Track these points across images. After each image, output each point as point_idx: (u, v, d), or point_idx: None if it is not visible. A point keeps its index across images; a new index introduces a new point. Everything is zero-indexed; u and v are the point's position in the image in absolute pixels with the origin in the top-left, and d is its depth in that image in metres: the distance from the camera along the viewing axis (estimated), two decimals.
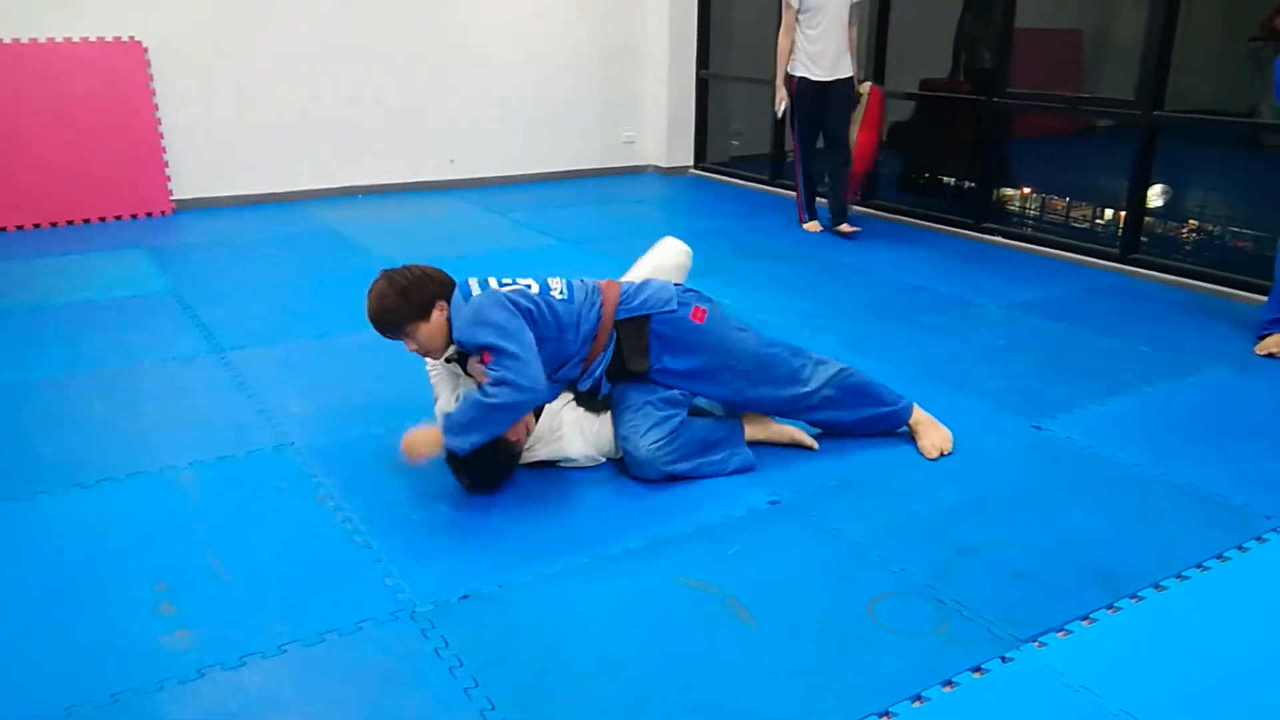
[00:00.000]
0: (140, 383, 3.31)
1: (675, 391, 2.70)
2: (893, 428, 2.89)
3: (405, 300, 2.49)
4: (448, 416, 2.42)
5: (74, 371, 3.40)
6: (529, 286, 2.59)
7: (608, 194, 6.89)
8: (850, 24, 5.18)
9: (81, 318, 3.97)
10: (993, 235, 5.46)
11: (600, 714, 1.77)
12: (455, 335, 2.50)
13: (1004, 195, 5.69)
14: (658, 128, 7.51)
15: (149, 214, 5.84)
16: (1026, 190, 5.68)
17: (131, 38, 5.60)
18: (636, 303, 2.68)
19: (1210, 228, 4.94)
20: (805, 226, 5.67)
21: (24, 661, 1.90)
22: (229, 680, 1.85)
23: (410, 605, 2.09)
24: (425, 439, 2.50)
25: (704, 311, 2.71)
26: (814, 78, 5.21)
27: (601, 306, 2.64)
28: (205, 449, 2.80)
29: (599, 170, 7.51)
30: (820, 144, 5.42)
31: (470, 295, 2.53)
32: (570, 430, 2.67)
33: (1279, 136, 4.65)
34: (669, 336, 2.67)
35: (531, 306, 2.52)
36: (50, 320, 3.94)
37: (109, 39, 5.54)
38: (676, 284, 2.80)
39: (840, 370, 2.81)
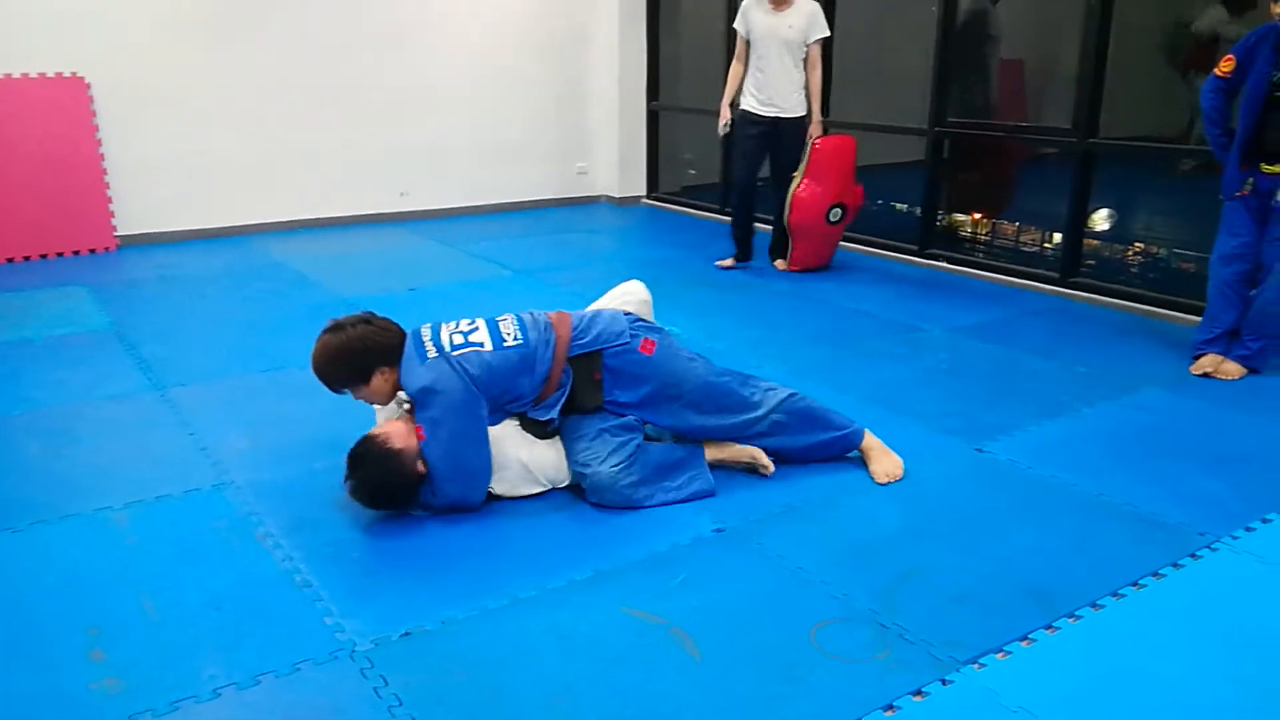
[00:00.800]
0: (77, 422, 3.24)
1: (629, 417, 2.71)
2: (843, 452, 2.92)
3: (344, 367, 2.56)
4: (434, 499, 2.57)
5: (8, 412, 3.33)
6: (481, 346, 2.57)
7: (560, 224, 6.91)
8: (811, 64, 5.04)
9: (19, 356, 3.89)
10: (937, 261, 5.55)
11: None
12: (406, 390, 2.55)
13: (955, 221, 5.81)
14: (610, 159, 7.56)
15: (92, 250, 5.75)
16: (976, 216, 5.80)
17: (74, 73, 5.54)
18: (589, 338, 2.69)
19: (1151, 250, 5.07)
20: (717, 263, 5.50)
21: None
22: None
23: (350, 644, 2.06)
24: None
25: (653, 344, 2.72)
26: (754, 110, 5.14)
27: (555, 345, 2.64)
28: (142, 489, 2.75)
29: (552, 201, 7.54)
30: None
31: (423, 347, 2.55)
32: (517, 471, 2.67)
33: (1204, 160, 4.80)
34: (619, 370, 2.68)
35: (479, 373, 2.52)
36: None
37: (51, 75, 5.47)
38: (627, 314, 2.81)
39: (789, 396, 2.84)
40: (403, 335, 2.60)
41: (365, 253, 5.91)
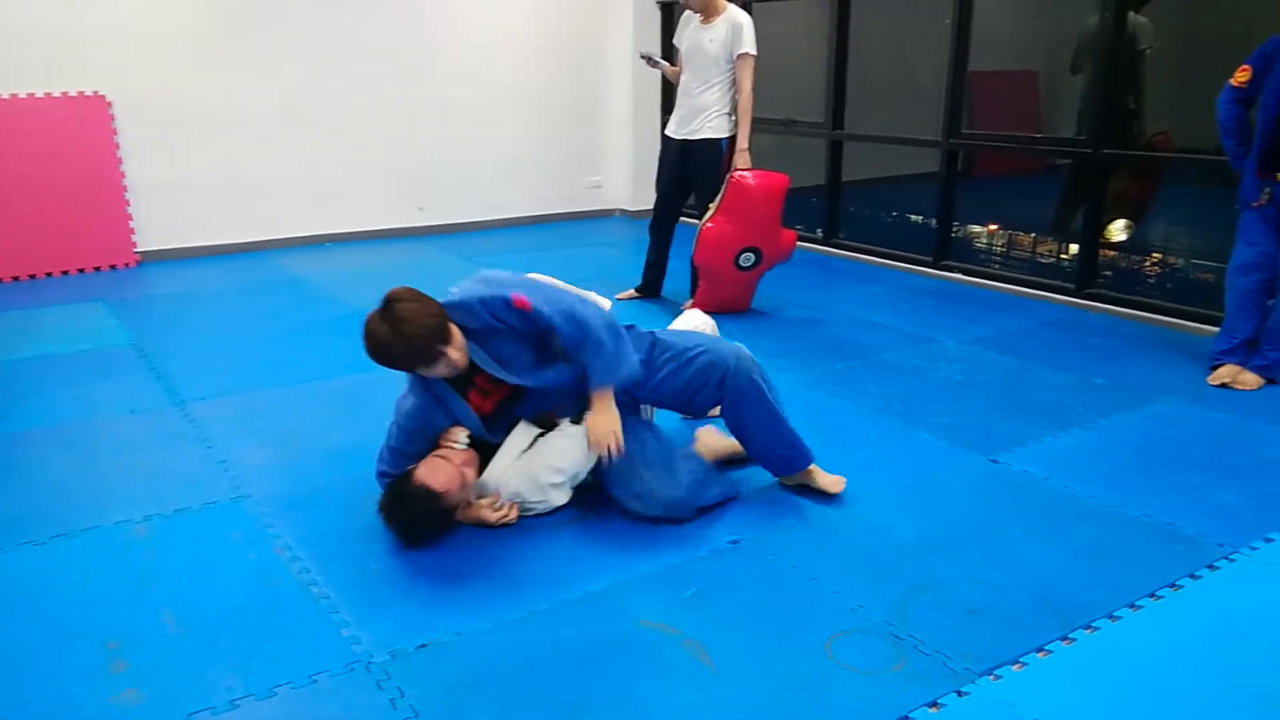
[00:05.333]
0: (99, 436, 3.28)
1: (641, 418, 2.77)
2: (794, 458, 2.79)
3: (427, 301, 2.45)
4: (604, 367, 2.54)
5: (31, 426, 3.37)
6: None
7: (574, 238, 6.94)
8: (738, 84, 4.55)
9: (42, 372, 3.94)
10: (952, 272, 5.54)
11: None
12: (478, 298, 2.49)
13: (970, 232, 5.80)
14: (624, 172, 7.59)
15: (113, 266, 5.82)
16: (991, 227, 5.79)
17: (96, 92, 5.62)
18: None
19: (1168, 261, 5.05)
20: (617, 296, 5.01)
21: None
22: None
23: (366, 656, 2.07)
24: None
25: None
26: (669, 133, 4.80)
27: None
28: (162, 502, 2.77)
29: (567, 214, 7.58)
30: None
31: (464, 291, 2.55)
32: (545, 484, 2.63)
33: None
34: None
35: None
36: (10, 374, 3.90)
37: (73, 94, 5.55)
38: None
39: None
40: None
41: (383, 267, 5.95)
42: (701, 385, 2.71)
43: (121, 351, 4.22)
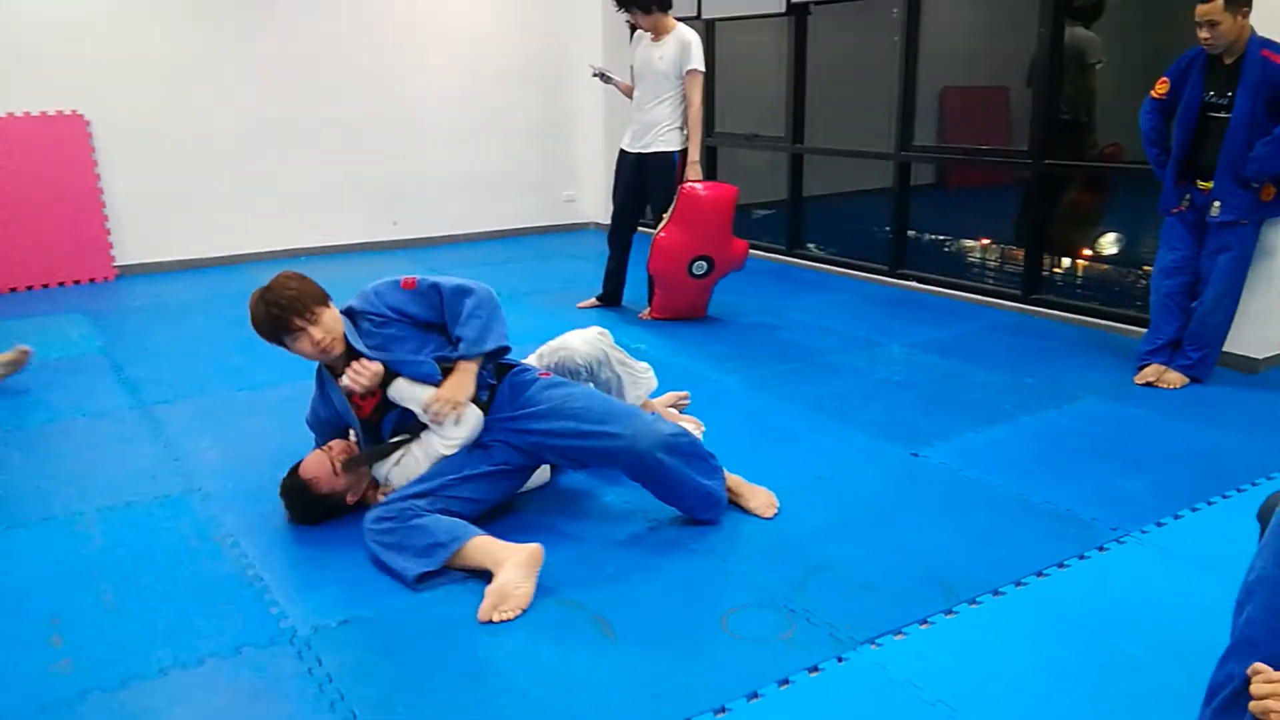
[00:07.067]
0: (60, 437, 3.42)
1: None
2: (700, 507, 2.69)
3: (306, 282, 2.70)
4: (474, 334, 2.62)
5: None
6: None
7: (548, 250, 7.10)
8: (688, 99, 4.73)
9: (13, 378, 4.08)
10: (907, 280, 5.70)
11: (454, 717, 1.89)
12: (365, 302, 2.73)
13: (928, 240, 5.96)
14: (597, 186, 7.76)
15: (92, 280, 5.98)
16: (940, 236, 5.95)
17: (74, 111, 5.79)
18: None
19: (1107, 267, 5.20)
20: (579, 305, 5.26)
21: None
22: (107, 700, 1.96)
23: (291, 630, 2.21)
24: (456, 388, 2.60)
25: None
26: (624, 146, 5.01)
27: None
28: (114, 495, 2.92)
29: (541, 228, 7.75)
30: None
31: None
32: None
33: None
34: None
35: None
36: None
37: (52, 113, 5.73)
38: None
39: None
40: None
41: (354, 278, 5.98)
42: (594, 458, 2.67)
43: (92, 359, 4.37)
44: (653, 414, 2.77)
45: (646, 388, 3.11)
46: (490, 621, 2.22)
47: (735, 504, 2.78)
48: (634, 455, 2.56)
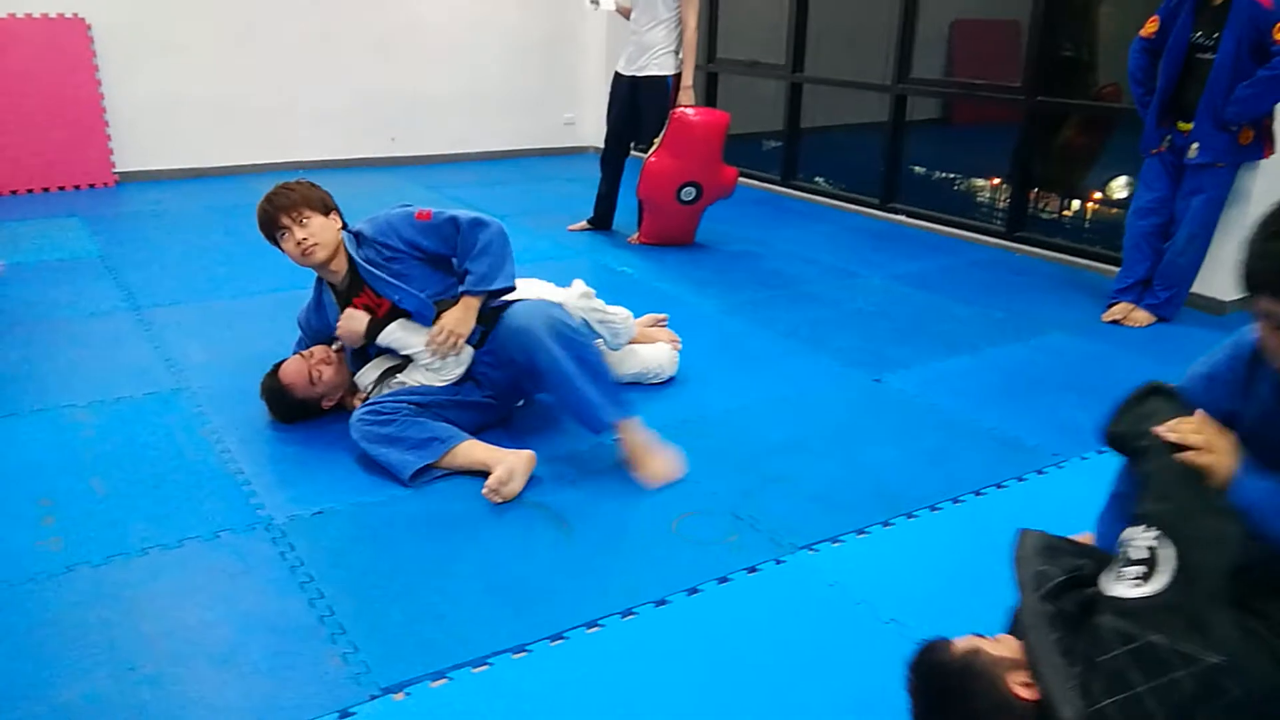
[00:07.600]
0: (56, 334, 3.55)
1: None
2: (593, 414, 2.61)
3: (313, 189, 2.78)
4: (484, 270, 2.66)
5: None
6: None
7: (544, 173, 7.14)
8: (684, 20, 4.74)
9: (9, 278, 4.20)
10: (897, 214, 5.75)
11: (414, 600, 2.04)
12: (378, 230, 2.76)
13: (918, 173, 6.00)
14: (597, 109, 7.72)
15: (92, 185, 6.04)
16: (938, 173, 5.99)
17: (75, 14, 5.79)
18: None
19: (1090, 206, 5.25)
20: (569, 228, 5.34)
21: None
22: (92, 575, 2.11)
23: (267, 519, 2.35)
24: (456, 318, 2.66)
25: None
26: (619, 69, 5.04)
27: None
28: (106, 390, 3.05)
29: (539, 150, 7.76)
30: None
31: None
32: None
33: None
34: None
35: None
36: None
37: (53, 15, 5.73)
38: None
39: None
40: None
41: (353, 194, 6.07)
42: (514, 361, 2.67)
43: (89, 262, 4.47)
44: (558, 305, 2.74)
45: (626, 336, 3.15)
46: (493, 494, 2.42)
47: (630, 465, 2.60)
48: (525, 335, 2.54)
